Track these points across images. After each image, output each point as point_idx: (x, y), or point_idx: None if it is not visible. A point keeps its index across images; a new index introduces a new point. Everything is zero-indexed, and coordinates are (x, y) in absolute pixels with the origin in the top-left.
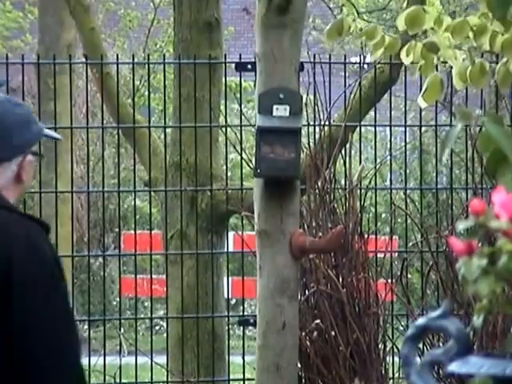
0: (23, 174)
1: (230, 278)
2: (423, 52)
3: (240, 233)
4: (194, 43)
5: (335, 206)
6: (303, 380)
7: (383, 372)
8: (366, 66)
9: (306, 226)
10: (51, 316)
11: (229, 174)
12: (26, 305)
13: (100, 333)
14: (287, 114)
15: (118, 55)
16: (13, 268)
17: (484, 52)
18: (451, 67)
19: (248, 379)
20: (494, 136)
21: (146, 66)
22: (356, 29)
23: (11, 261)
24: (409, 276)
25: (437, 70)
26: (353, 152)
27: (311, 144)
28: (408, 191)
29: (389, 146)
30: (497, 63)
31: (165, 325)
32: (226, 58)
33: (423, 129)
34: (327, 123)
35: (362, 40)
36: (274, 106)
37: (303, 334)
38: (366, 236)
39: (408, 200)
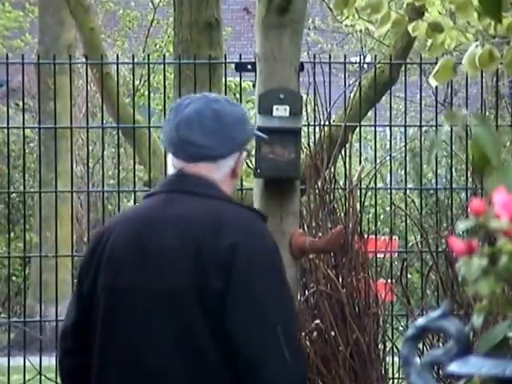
0: (238, 169)
1: None
2: (428, 32)
3: None
4: (193, 43)
5: (335, 206)
6: None
7: (383, 372)
8: (365, 65)
9: (305, 226)
10: (278, 303)
11: None
12: (255, 293)
13: None
14: (287, 114)
15: (117, 55)
16: (238, 257)
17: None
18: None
19: None
20: (480, 138)
21: (146, 65)
22: (355, 30)
23: (236, 249)
24: (409, 276)
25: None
26: (352, 152)
27: (311, 144)
28: (407, 191)
29: (388, 146)
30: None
31: None
32: (225, 58)
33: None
34: (327, 123)
35: (362, 40)
36: (274, 107)
37: (303, 333)
38: (365, 236)
39: (408, 200)
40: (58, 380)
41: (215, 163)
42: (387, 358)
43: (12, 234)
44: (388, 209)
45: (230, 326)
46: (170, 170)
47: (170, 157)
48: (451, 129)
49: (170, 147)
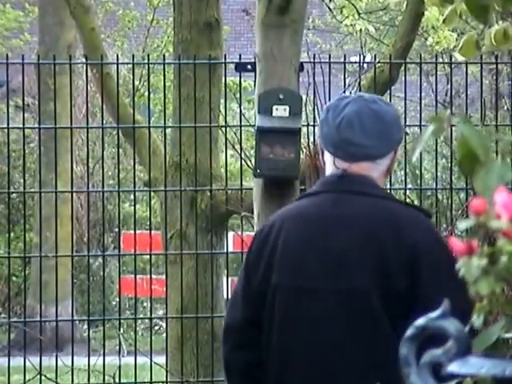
0: (392, 168)
1: (229, 278)
2: (440, 1)
3: (240, 233)
4: (193, 43)
5: None
6: None
7: None
8: (365, 65)
9: None
10: (462, 296)
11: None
12: (441, 291)
13: (99, 333)
14: (287, 114)
15: (117, 55)
16: (420, 257)
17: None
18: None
19: None
20: (466, 135)
21: (146, 66)
22: (354, 30)
23: (417, 249)
24: None
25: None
26: None
27: (311, 144)
28: (407, 192)
29: None
30: None
31: (164, 325)
32: (225, 58)
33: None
34: None
35: (362, 40)
36: (274, 107)
37: None
38: None
39: (407, 200)
40: (59, 380)
41: (375, 162)
42: None
43: (12, 234)
44: None
45: None
46: (329, 170)
47: (328, 156)
48: (451, 129)
49: (330, 147)
